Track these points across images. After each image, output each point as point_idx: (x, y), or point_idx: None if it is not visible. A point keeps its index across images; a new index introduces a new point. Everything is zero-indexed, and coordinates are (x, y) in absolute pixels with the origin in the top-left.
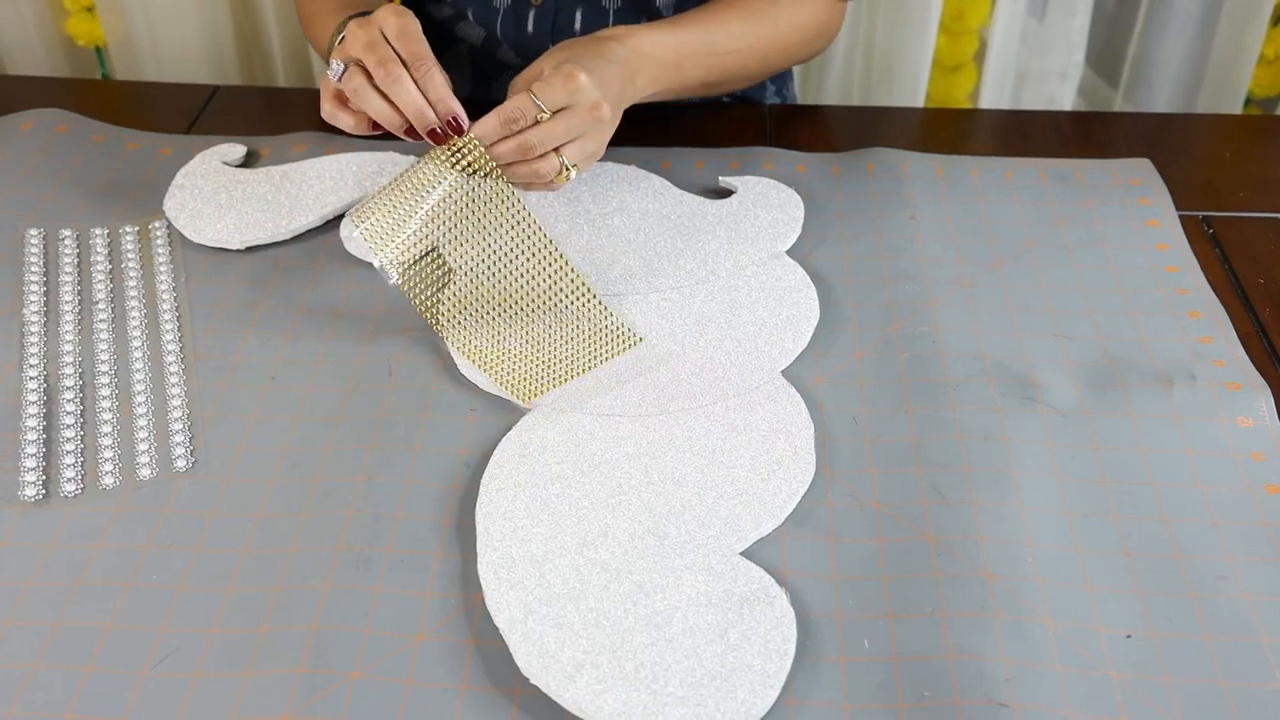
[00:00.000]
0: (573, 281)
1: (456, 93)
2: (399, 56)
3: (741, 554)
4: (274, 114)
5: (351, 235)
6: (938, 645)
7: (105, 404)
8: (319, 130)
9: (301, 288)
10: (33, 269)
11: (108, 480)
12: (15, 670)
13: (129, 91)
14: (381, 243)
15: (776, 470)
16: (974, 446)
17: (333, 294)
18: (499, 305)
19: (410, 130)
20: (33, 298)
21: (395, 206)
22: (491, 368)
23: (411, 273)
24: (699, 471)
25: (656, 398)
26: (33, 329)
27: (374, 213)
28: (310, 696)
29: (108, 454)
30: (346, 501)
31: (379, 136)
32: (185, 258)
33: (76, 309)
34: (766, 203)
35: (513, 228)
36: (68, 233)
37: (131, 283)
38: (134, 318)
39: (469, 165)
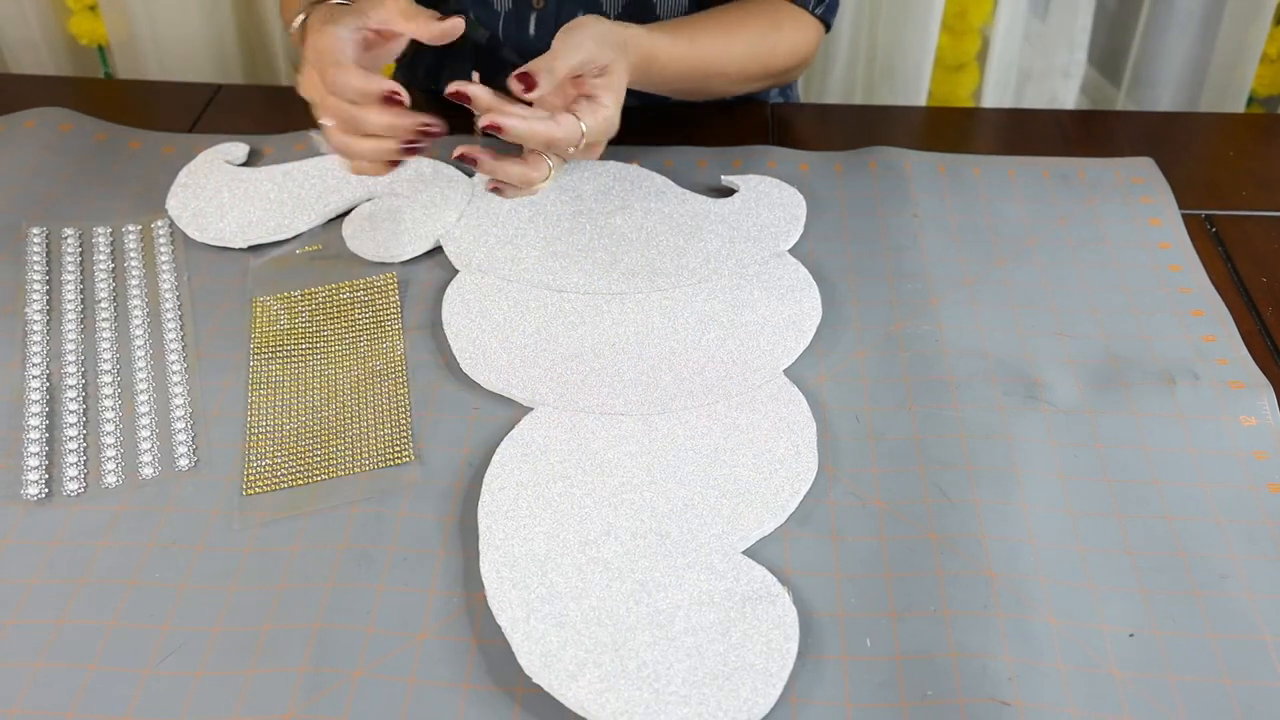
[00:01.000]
0: (394, 384)
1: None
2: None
3: (744, 553)
4: (277, 113)
5: (354, 235)
6: (940, 644)
7: (108, 403)
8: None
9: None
10: (35, 268)
11: (110, 479)
12: (18, 668)
13: (132, 90)
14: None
15: (779, 469)
16: (977, 445)
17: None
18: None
19: (412, 142)
20: (35, 296)
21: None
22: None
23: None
24: (701, 470)
25: (659, 396)
26: (35, 328)
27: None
28: (313, 695)
29: (110, 453)
30: (349, 500)
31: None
32: (188, 256)
33: (79, 308)
34: (769, 201)
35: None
36: (70, 231)
37: (134, 281)
38: (136, 316)
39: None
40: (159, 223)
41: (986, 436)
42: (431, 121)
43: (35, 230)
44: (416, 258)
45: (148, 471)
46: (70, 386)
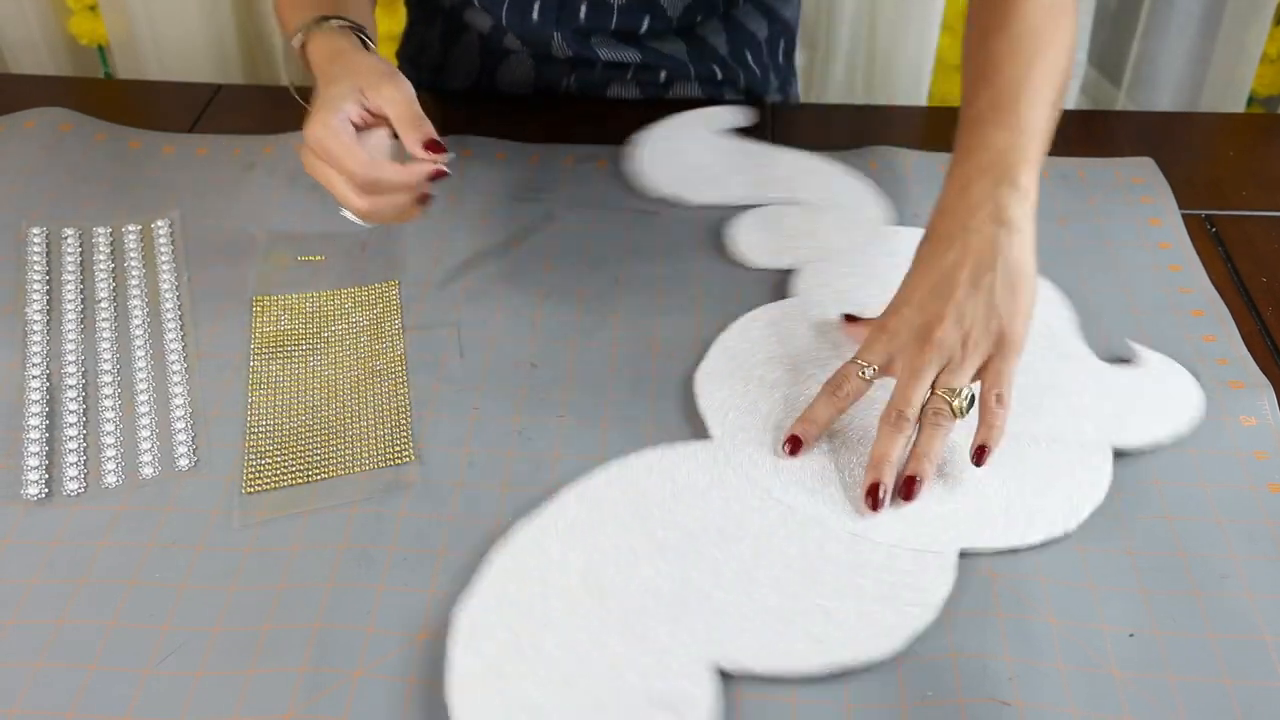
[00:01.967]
0: (394, 385)
1: (464, 81)
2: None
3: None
4: (277, 112)
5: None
6: (940, 644)
7: (108, 403)
8: None
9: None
10: (35, 268)
11: (110, 479)
12: (18, 668)
13: (132, 90)
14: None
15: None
16: None
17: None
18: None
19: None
20: (35, 297)
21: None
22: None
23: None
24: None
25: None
26: (35, 328)
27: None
28: (313, 695)
29: (110, 453)
30: (349, 500)
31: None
32: (188, 256)
33: (79, 308)
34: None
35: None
36: (70, 231)
37: (134, 281)
38: (136, 316)
39: None
40: (159, 223)
41: None
42: (437, 157)
43: (35, 230)
44: (419, 253)
45: (148, 471)
46: (70, 386)
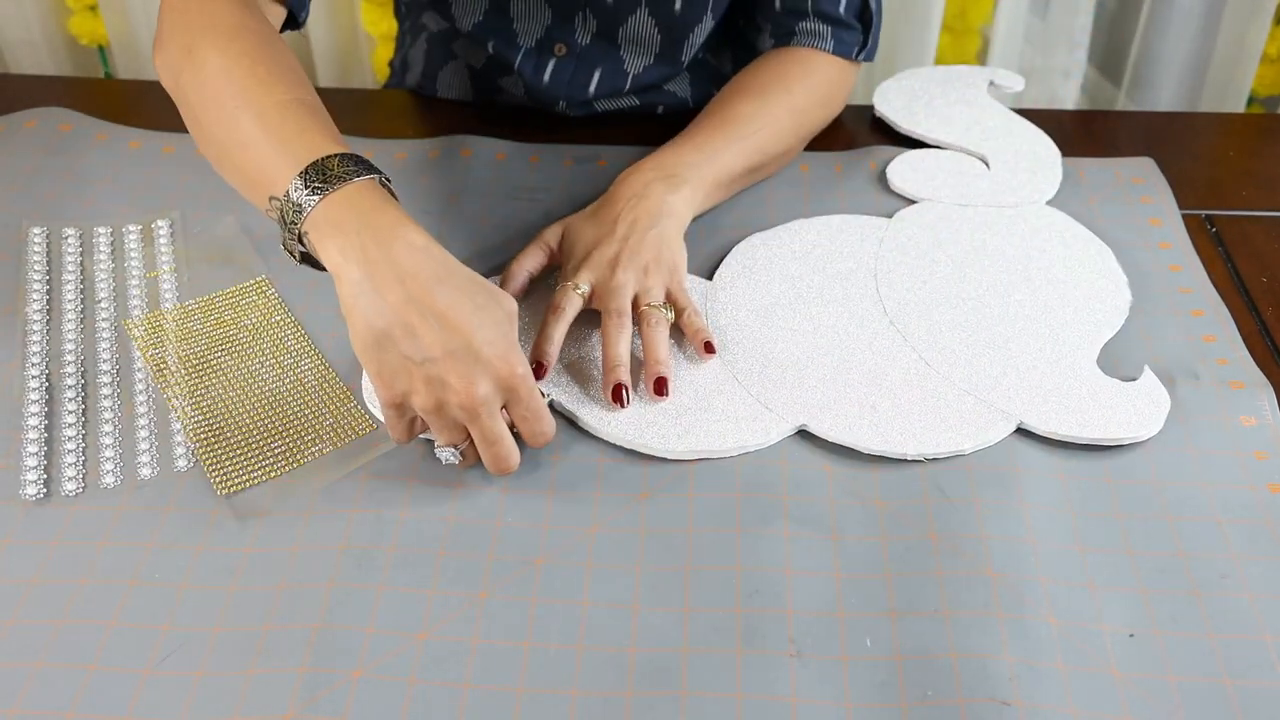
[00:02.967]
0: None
1: (458, 100)
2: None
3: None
4: None
5: None
6: (940, 644)
7: (106, 403)
8: None
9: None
10: (35, 267)
11: (109, 479)
12: (19, 669)
13: (132, 90)
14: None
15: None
16: None
17: (334, 293)
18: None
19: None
20: (35, 296)
21: None
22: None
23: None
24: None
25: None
26: (35, 328)
27: None
28: (313, 695)
29: (109, 453)
30: (349, 500)
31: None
32: (188, 256)
33: (79, 308)
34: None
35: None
36: (70, 231)
37: (134, 281)
38: (136, 316)
39: None
40: (159, 223)
41: None
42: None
43: (35, 230)
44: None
45: (146, 472)
46: (69, 386)
